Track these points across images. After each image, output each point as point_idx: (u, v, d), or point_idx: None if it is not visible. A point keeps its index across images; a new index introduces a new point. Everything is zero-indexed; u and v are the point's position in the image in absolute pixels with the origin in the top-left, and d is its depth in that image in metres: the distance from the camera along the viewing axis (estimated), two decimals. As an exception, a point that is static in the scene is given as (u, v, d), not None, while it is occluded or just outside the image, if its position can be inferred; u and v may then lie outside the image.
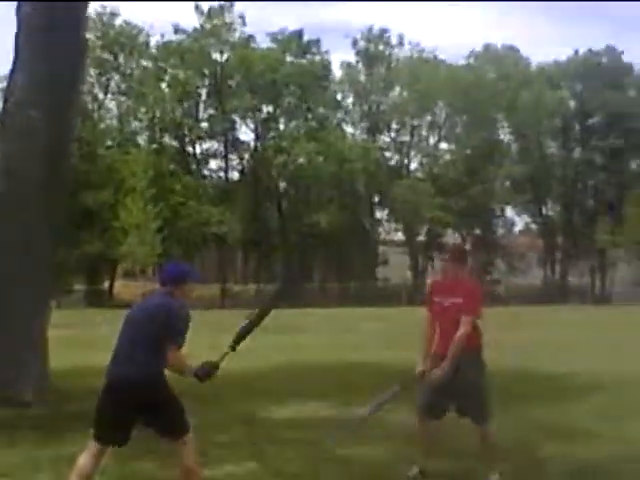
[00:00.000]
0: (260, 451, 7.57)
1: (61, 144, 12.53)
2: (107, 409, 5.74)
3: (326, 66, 60.59)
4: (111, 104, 59.19)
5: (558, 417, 10.37)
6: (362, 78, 62.65)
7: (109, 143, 56.34)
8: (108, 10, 56.93)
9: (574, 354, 17.98)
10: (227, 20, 58.67)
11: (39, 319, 12.08)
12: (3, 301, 11.49)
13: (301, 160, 56.10)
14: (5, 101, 12.43)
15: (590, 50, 61.95)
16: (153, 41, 59.40)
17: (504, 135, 63.89)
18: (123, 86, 58.62)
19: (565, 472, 7.34)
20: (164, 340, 5.62)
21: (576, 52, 62.64)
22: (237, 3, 58.62)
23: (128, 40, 57.68)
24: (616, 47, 61.87)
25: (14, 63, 12.29)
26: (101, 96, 58.35)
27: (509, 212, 64.60)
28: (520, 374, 14.77)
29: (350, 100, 63.45)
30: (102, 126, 56.86)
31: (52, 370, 12.40)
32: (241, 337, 6.17)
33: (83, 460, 5.67)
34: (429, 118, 62.66)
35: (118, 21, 57.79)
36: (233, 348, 6.04)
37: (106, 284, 56.74)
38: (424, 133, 63.57)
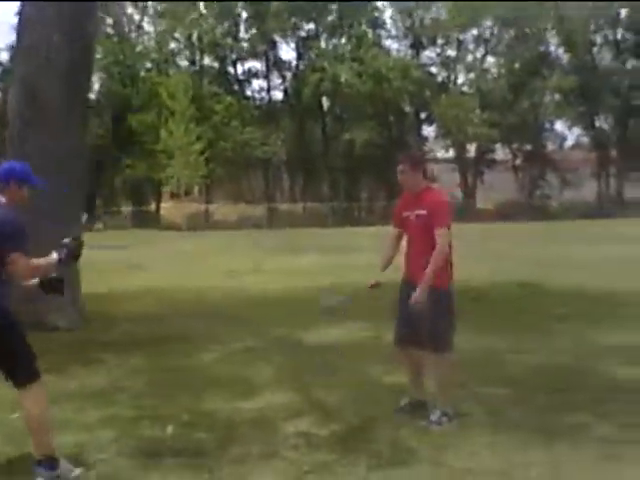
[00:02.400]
0: (301, 379, 7.08)
1: (83, 59, 12.25)
2: None
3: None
4: (148, 27, 58.59)
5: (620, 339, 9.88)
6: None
7: (148, 66, 55.92)
8: None
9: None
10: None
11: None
12: (37, 226, 11.20)
13: (342, 78, 55.05)
14: (20, 20, 12.18)
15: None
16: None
17: (553, 47, 62.17)
18: (160, 7, 57.94)
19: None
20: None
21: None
22: None
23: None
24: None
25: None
26: (137, 17, 57.93)
27: (560, 126, 63.76)
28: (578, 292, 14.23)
29: (392, 16, 62.44)
30: (140, 48, 56.51)
31: (91, 294, 12.25)
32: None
33: None
34: (474, 31, 61.35)
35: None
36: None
37: (152, 206, 56.98)
38: (470, 47, 62.45)
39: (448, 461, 5.60)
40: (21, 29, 12.18)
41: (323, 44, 58.75)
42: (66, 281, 11.39)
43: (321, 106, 59.24)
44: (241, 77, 59.95)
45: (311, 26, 58.90)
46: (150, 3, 57.31)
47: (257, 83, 60.61)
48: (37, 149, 11.51)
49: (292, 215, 54.36)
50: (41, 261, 5.29)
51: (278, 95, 60.79)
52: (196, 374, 8.51)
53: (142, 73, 54.75)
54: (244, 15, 58.43)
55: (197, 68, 56.65)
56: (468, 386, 7.66)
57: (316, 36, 59.13)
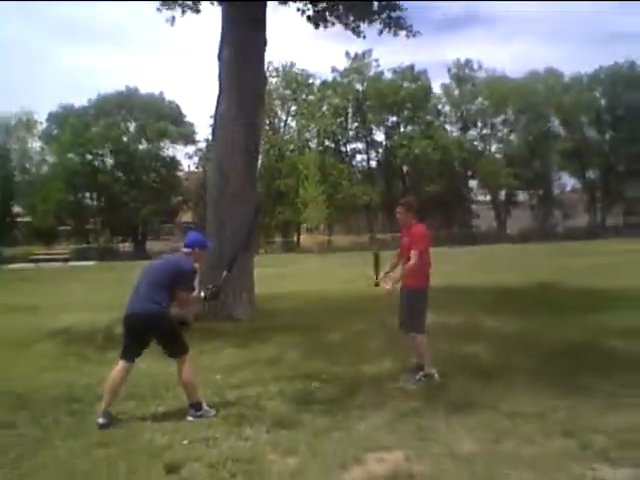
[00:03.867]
0: (396, 353, 7.05)
1: (253, 147, 12.46)
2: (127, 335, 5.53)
3: (429, 88, 58.96)
4: (292, 123, 59.31)
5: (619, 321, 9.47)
6: (456, 93, 60.44)
7: (291, 147, 56.68)
8: (288, 62, 57.36)
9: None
10: (365, 61, 57.76)
11: (248, 261, 12.06)
12: (225, 252, 11.50)
13: (416, 151, 54.64)
14: (214, 119, 12.42)
15: (615, 62, 58.25)
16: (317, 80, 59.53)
17: (555, 126, 60.53)
18: (292, 110, 58.80)
19: None
20: (175, 287, 5.32)
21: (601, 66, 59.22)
22: (374, 50, 57.80)
23: (301, 80, 57.75)
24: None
25: (219, 93, 12.20)
26: (283, 117, 58.78)
27: (562, 177, 62.63)
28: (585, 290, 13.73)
29: (447, 109, 61.49)
30: (286, 137, 57.39)
31: (258, 295, 12.42)
32: (233, 260, 5.94)
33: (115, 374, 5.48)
34: (502, 117, 60.21)
35: (295, 68, 57.99)
36: (230, 271, 5.78)
37: (295, 237, 57.60)
38: (499, 127, 61.11)
39: (500, 407, 5.51)
40: (215, 126, 12.47)
41: (402, 129, 58.60)
42: (244, 287, 11.63)
43: (402, 169, 59.02)
44: (349, 153, 60.25)
45: (394, 118, 58.91)
46: (292, 109, 58.21)
47: (359, 156, 60.34)
48: (226, 208, 11.80)
49: (384, 241, 54.19)
50: (193, 295, 5.45)
51: (373, 163, 60.87)
52: (332, 348, 8.53)
53: (287, 153, 55.52)
54: (350, 112, 58.89)
55: (321, 148, 57.09)
56: (513, 355, 7.53)
57: (397, 124, 59.04)
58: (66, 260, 42.23)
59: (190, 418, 5.41)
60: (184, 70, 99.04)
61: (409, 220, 6.53)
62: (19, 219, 55.56)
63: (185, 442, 4.86)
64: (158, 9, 13.81)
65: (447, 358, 7.41)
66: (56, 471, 4.40)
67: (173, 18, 14.02)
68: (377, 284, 6.63)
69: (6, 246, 49.43)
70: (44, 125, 56.29)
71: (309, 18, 14.09)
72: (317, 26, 14.09)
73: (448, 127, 61.20)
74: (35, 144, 56.75)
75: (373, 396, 6.01)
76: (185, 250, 5.51)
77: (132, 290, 5.52)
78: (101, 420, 5.26)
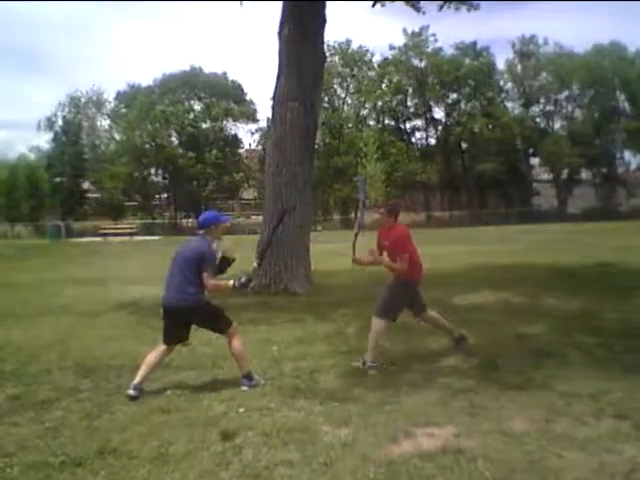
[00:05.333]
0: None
1: (312, 125, 12.46)
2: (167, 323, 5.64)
3: (493, 64, 57.27)
4: (349, 100, 58.79)
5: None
6: (518, 69, 58.58)
7: (349, 125, 56.36)
8: (345, 39, 56.68)
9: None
10: (423, 37, 56.67)
11: (304, 237, 12.16)
12: (283, 228, 11.64)
13: (475, 129, 53.62)
14: (273, 98, 12.44)
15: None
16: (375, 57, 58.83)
17: (621, 102, 57.92)
18: (350, 87, 58.29)
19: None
20: (202, 270, 5.32)
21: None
22: (438, 25, 56.27)
23: (358, 57, 57.20)
24: None
25: (278, 71, 12.21)
26: (342, 95, 58.42)
27: (626, 155, 59.94)
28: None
29: (510, 85, 59.69)
30: (344, 114, 57.10)
31: (315, 271, 12.49)
32: (263, 253, 6.00)
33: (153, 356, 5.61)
34: (566, 93, 57.98)
35: (353, 45, 57.38)
36: (259, 264, 5.80)
37: (352, 214, 57.52)
38: (563, 104, 58.89)
39: (554, 386, 5.41)
40: (274, 104, 12.51)
41: (462, 106, 57.41)
42: (301, 263, 11.73)
43: (460, 147, 57.93)
44: (408, 130, 59.48)
45: (454, 95, 57.80)
46: (350, 86, 57.75)
47: (418, 134, 59.47)
48: (284, 183, 11.89)
49: (442, 219, 53.56)
50: (222, 283, 5.47)
51: (432, 141, 59.86)
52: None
53: (345, 130, 55.25)
54: (410, 89, 58.07)
55: (380, 125, 56.62)
56: (571, 334, 7.37)
57: (458, 101, 57.91)
58: (132, 235, 43.43)
59: (244, 388, 5.53)
60: (245, 48, 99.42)
61: (389, 222, 6.39)
62: (88, 194, 57.37)
63: (241, 410, 4.97)
64: None
65: (505, 336, 7.32)
66: (116, 434, 4.56)
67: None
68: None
69: (76, 220, 51.19)
70: (112, 104, 57.76)
71: None
72: (374, 4, 13.90)
73: (510, 104, 59.66)
74: (104, 122, 58.30)
75: (426, 372, 5.99)
76: (201, 231, 5.53)
77: (167, 275, 5.62)
78: (132, 392, 5.37)
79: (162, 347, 5.64)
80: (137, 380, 5.47)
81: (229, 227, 5.86)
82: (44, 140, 55.72)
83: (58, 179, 52.99)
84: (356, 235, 6.57)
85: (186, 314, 5.51)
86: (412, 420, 4.65)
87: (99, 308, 10.72)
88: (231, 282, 5.48)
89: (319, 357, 6.70)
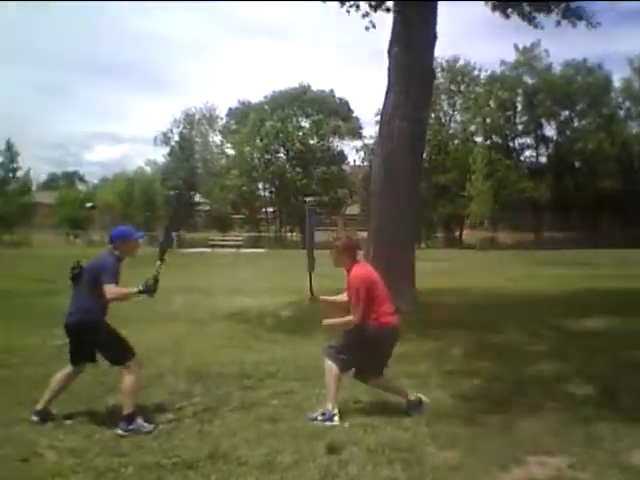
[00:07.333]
0: (568, 354, 6.69)
1: (419, 142, 12.38)
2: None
3: (608, 81, 54.73)
4: (456, 116, 58.13)
5: None
6: (636, 86, 55.59)
7: (455, 142, 55.61)
8: (451, 55, 56.11)
9: None
10: (535, 53, 55.07)
11: (409, 255, 12.06)
12: (388, 245, 11.62)
13: (590, 146, 51.35)
14: (381, 115, 12.47)
15: None
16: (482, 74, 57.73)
17: None
18: (457, 103, 57.43)
19: None
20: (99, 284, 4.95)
21: None
22: (543, 42, 54.20)
23: (466, 74, 56.48)
24: None
25: (387, 88, 12.22)
26: (449, 111, 57.76)
27: None
28: None
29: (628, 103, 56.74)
30: (450, 131, 56.44)
31: (418, 289, 12.35)
32: (163, 252, 5.38)
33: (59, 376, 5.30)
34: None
35: (460, 62, 56.60)
36: (161, 260, 5.30)
37: (457, 233, 56.55)
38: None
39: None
40: (382, 120, 12.53)
41: (576, 124, 55.24)
42: (405, 280, 11.60)
43: (573, 165, 55.68)
44: (517, 148, 57.89)
45: (566, 112, 55.71)
46: (457, 103, 57.01)
47: (528, 152, 57.73)
48: (390, 200, 11.84)
49: (552, 240, 51.53)
50: (124, 289, 5.03)
51: (542, 159, 57.87)
52: (493, 345, 8.31)
53: (451, 146, 54.53)
54: (519, 106, 56.53)
55: (488, 142, 55.46)
56: None
57: (571, 119, 55.79)
58: (239, 247, 44.70)
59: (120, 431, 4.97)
60: (350, 65, 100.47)
61: (344, 261, 5.36)
62: (199, 207, 59.69)
63: (346, 425, 4.97)
64: (347, 11, 13.87)
65: (620, 364, 6.95)
66: (226, 439, 4.69)
67: (372, 23, 13.73)
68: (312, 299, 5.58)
69: (187, 231, 53.36)
70: (224, 120, 59.94)
71: (494, 7, 13.79)
72: (507, 16, 13.68)
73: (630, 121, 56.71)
74: (215, 137, 60.59)
75: (537, 398, 5.76)
76: (109, 247, 5.28)
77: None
78: (34, 418, 5.15)
79: (68, 369, 5.34)
80: (42, 404, 5.22)
81: (138, 244, 5.41)
82: (160, 154, 58.65)
83: (172, 192, 55.45)
84: (310, 275, 5.57)
85: (77, 333, 5.15)
86: (523, 447, 4.48)
87: (207, 317, 11.08)
88: (134, 289, 5.07)
89: (423, 376, 6.61)
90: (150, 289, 5.04)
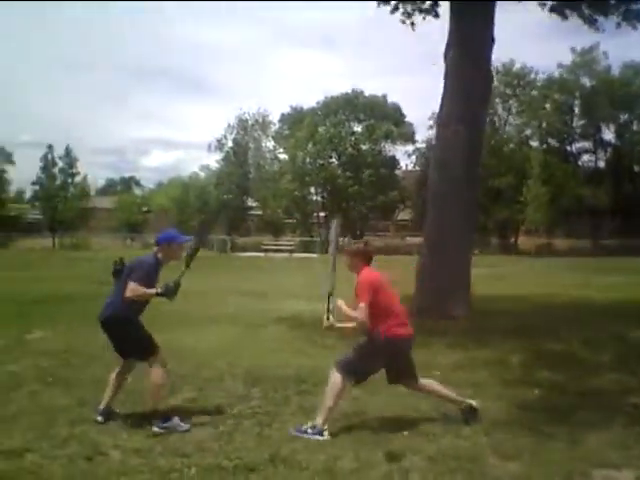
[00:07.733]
0: (624, 366, 6.49)
1: (476, 147, 12.25)
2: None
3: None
4: (511, 120, 57.11)
5: None
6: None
7: (511, 145, 54.65)
8: (509, 59, 54.99)
9: None
10: (593, 55, 53.73)
11: (465, 262, 11.93)
12: (444, 251, 11.52)
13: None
14: (437, 119, 12.40)
15: None
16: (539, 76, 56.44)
17: None
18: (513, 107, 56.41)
19: None
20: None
21: None
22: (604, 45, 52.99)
23: (522, 76, 55.50)
24: None
25: (443, 93, 12.13)
26: (504, 115, 56.84)
27: None
28: None
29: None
30: (505, 136, 55.53)
31: (473, 295, 12.21)
32: (190, 259, 5.35)
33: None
34: None
35: (518, 63, 55.62)
36: (187, 266, 5.28)
37: (512, 239, 55.55)
38: None
39: None
40: (438, 125, 12.46)
41: (635, 127, 53.63)
42: (460, 286, 11.50)
43: (633, 170, 54.08)
44: (574, 152, 56.57)
45: (625, 115, 54.20)
46: (513, 107, 56.05)
47: (586, 156, 56.31)
48: (446, 206, 11.74)
49: (610, 247, 50.00)
50: (142, 289, 5.02)
51: (601, 164, 56.41)
52: (552, 354, 8.15)
53: (506, 150, 53.61)
54: (577, 109, 55.28)
55: (544, 146, 54.33)
56: None
57: (630, 122, 54.22)
58: (291, 251, 44.96)
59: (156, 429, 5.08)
60: (400, 70, 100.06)
61: (356, 266, 5.35)
62: (252, 212, 60.31)
63: (405, 433, 4.94)
64: (402, 21, 14.14)
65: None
66: (286, 443, 4.72)
67: (412, 24, 14.25)
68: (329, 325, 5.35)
69: (240, 236, 53.96)
70: (277, 125, 60.42)
71: (552, 9, 13.59)
72: (565, 17, 13.49)
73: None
74: (268, 143, 61.13)
75: (604, 410, 5.61)
76: (155, 248, 5.33)
77: None
78: (99, 419, 5.29)
79: (121, 365, 5.48)
80: (104, 404, 5.36)
81: (183, 248, 5.42)
82: (214, 160, 59.51)
83: (225, 197, 56.18)
84: (329, 296, 5.35)
85: (108, 327, 5.25)
86: (588, 460, 4.37)
87: (262, 320, 11.18)
88: (153, 290, 5.12)
89: (481, 385, 6.51)
90: (170, 292, 5.10)
